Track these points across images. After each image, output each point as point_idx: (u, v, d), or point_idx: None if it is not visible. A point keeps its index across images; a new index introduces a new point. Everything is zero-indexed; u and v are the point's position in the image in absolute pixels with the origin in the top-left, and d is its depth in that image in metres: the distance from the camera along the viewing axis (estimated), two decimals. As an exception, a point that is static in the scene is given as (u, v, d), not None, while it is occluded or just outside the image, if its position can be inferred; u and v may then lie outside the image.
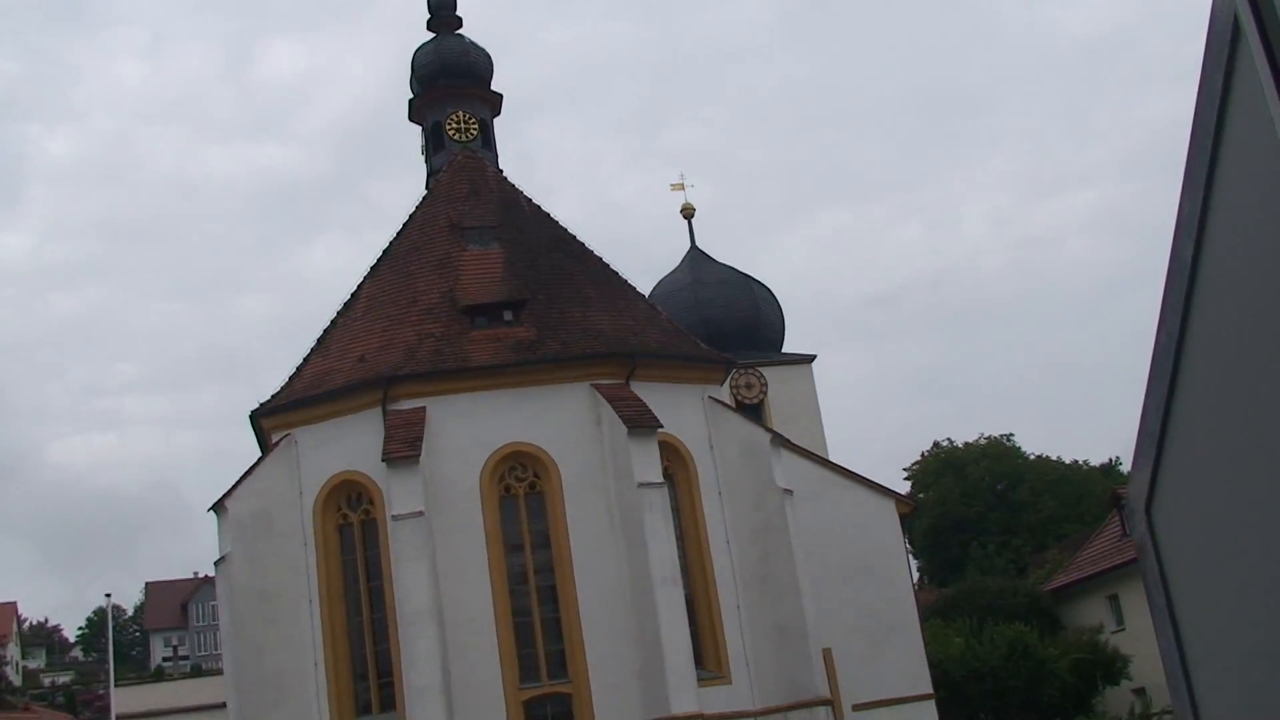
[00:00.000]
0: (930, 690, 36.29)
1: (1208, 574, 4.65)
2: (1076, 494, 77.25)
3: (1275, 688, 3.74)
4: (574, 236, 37.64)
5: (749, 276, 52.34)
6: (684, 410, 33.48)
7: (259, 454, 34.62)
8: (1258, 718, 4.11)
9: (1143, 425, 4.84)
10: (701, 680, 30.39)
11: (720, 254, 53.69)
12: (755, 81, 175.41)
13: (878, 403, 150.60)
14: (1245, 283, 3.83)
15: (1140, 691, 45.33)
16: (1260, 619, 3.86)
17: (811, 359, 50.50)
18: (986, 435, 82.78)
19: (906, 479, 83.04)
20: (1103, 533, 53.89)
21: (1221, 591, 4.44)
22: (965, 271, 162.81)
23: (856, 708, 34.55)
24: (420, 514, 29.96)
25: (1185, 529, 4.84)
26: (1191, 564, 4.91)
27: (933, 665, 37.39)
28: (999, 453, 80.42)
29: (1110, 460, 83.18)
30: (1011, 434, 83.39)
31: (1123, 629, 49.32)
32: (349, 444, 32.02)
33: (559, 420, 32.01)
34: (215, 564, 32.73)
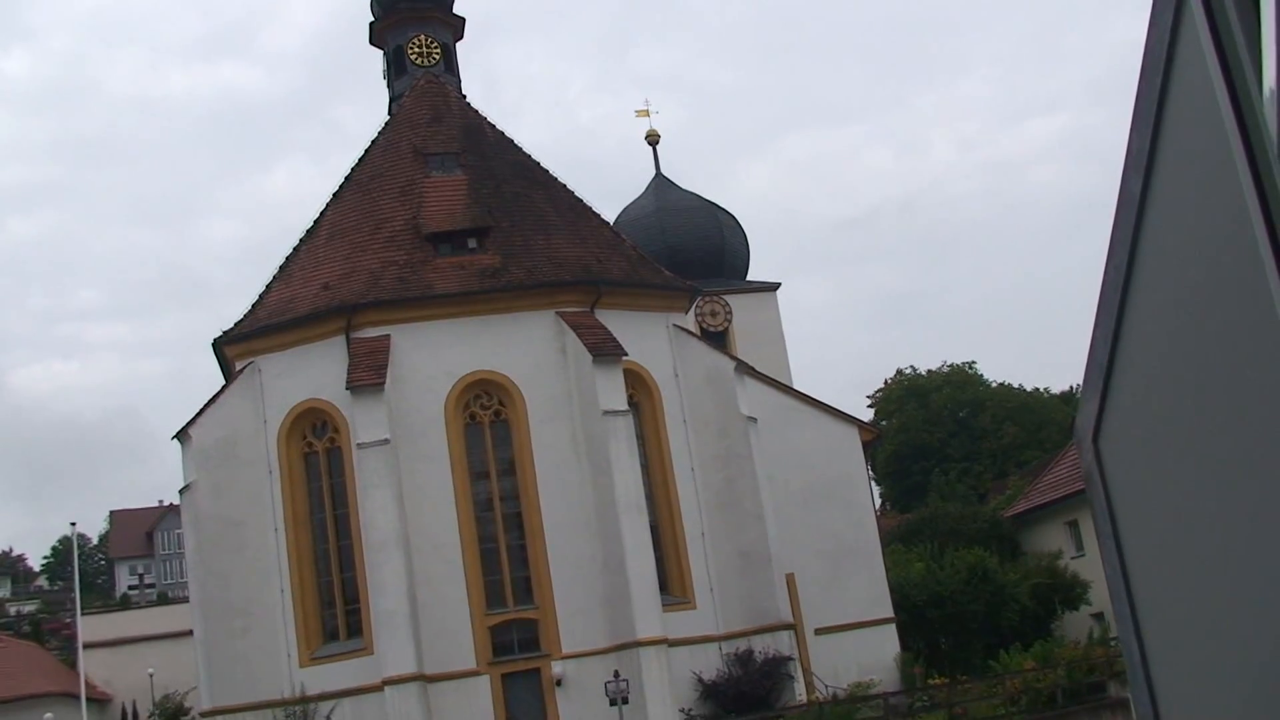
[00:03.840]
0: (891, 614, 36.84)
1: (1153, 504, 4.77)
2: (1037, 421, 77.92)
3: (1215, 610, 3.90)
4: (538, 163, 37.54)
5: (714, 204, 52.27)
6: (649, 338, 33.63)
7: (222, 381, 34.57)
8: (1198, 637, 4.28)
9: (1091, 356, 4.93)
10: (666, 605, 30.78)
11: (686, 181, 53.62)
12: (724, 3, 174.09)
13: (842, 330, 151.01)
14: (1191, 218, 3.91)
15: (1099, 616, 45.95)
16: (1203, 546, 4.01)
17: (776, 286, 50.68)
18: (949, 363, 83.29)
19: (870, 406, 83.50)
20: (1062, 460, 54.42)
21: (1167, 520, 4.57)
22: (933, 196, 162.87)
23: (819, 631, 35.05)
24: (385, 442, 30.05)
25: (1132, 459, 4.97)
26: (1138, 493, 5.05)
27: (894, 590, 37.87)
28: (961, 380, 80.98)
29: (1071, 388, 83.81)
30: (974, 362, 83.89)
31: (1082, 554, 49.93)
32: (313, 372, 32.02)
33: (524, 348, 32.12)
34: (180, 492, 32.82)
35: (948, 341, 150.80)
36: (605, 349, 31.41)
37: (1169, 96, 3.75)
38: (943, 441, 76.75)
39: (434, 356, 31.71)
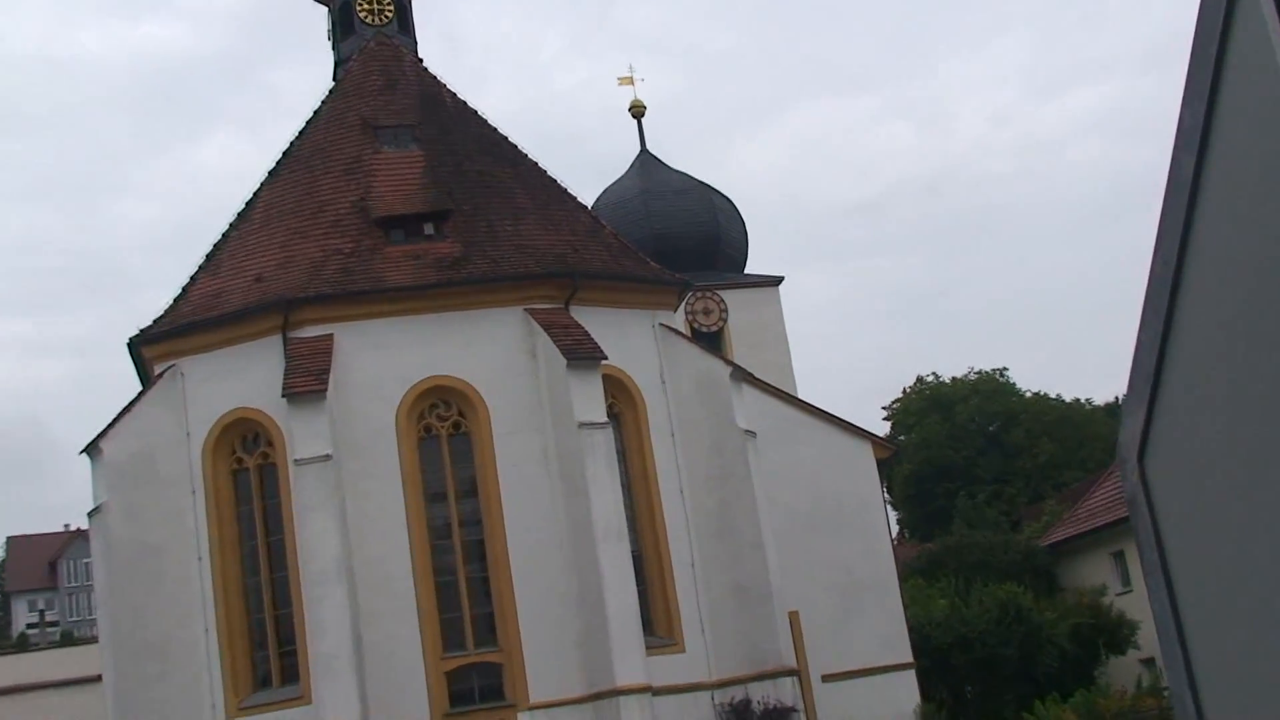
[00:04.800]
0: (910, 659, 36.87)
1: (1207, 531, 4.76)
2: (1078, 437, 78.03)
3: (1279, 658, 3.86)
4: (505, 137, 37.54)
5: (708, 185, 52.31)
6: (632, 339, 33.68)
7: (139, 387, 34.49)
8: (1260, 691, 4.21)
9: (1136, 363, 4.93)
10: (650, 648, 30.79)
11: (675, 159, 53.85)
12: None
13: (854, 331, 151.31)
14: (1251, 204, 3.90)
15: (1149, 662, 46.05)
16: (1264, 582, 3.97)
17: (779, 281, 50.74)
18: (977, 370, 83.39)
19: (886, 419, 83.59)
20: (1106, 481, 54.53)
21: (1222, 551, 4.54)
22: (960, 177, 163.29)
23: (826, 678, 35.06)
24: (327, 458, 30.03)
25: (1182, 481, 4.95)
26: (1189, 520, 5.02)
27: (913, 630, 37.90)
28: (991, 390, 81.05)
29: (1116, 399, 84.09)
30: (1005, 368, 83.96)
31: (1129, 590, 50.04)
32: (244, 377, 31.99)
33: (488, 350, 32.13)
34: (89, 515, 32.73)
35: (975, 345, 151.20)
36: (582, 351, 31.43)
37: (1226, 65, 3.74)
38: (969, 460, 76.84)
39: (384, 359, 31.69)
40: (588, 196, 40.96)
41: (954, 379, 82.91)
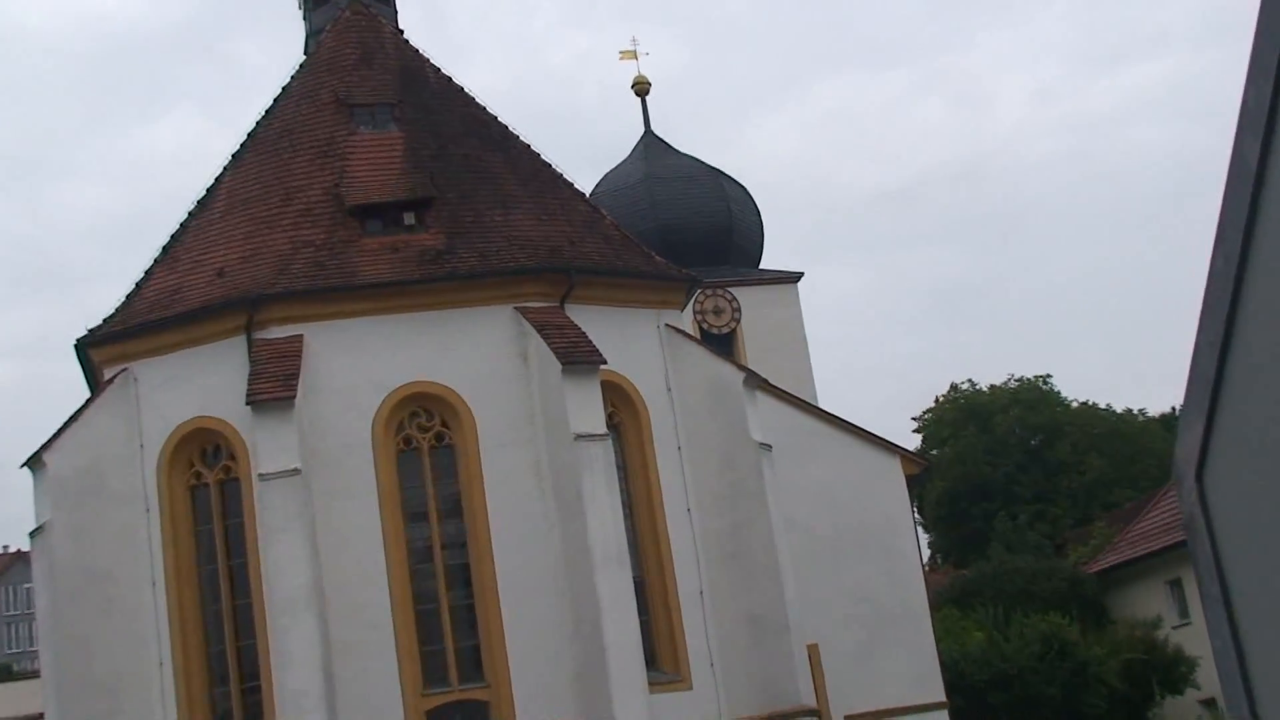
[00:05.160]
0: (942, 698, 36.93)
1: (1274, 557, 4.73)
2: (1129, 452, 78.18)
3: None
4: (495, 118, 37.61)
5: (719, 171, 52.48)
6: (634, 342, 33.74)
7: (87, 394, 34.52)
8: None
9: (1194, 370, 4.92)
10: (653, 685, 30.80)
11: (683, 142, 53.95)
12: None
13: (881, 334, 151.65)
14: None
15: (1209, 703, 46.16)
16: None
17: (798, 277, 50.90)
18: (1018, 377, 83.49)
19: (916, 431, 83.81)
20: (1161, 501, 54.59)
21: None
22: (1001, 162, 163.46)
23: (850, 719, 35.04)
24: (295, 472, 30.05)
25: (1246, 500, 4.93)
26: (1254, 544, 5.00)
27: (946, 666, 37.97)
28: (1033, 399, 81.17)
29: (1172, 410, 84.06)
30: (1049, 376, 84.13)
31: (1188, 623, 50.07)
32: (204, 382, 32.02)
33: (474, 353, 32.17)
34: (30, 535, 32.70)
35: (1016, 349, 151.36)
36: (578, 355, 31.42)
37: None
38: (1009, 477, 76.99)
39: (359, 363, 31.71)
40: (586, 183, 41.01)
41: (992, 387, 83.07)
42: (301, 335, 31.54)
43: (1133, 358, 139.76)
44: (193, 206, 35.81)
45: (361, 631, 30.39)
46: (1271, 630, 4.86)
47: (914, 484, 39.66)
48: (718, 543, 33.30)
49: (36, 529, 32.16)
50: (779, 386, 37.40)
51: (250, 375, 30.95)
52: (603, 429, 31.49)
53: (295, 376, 30.71)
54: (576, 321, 32.42)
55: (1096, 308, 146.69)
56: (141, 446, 32.25)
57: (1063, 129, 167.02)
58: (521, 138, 37.39)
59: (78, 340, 33.99)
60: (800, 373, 46.57)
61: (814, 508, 35.67)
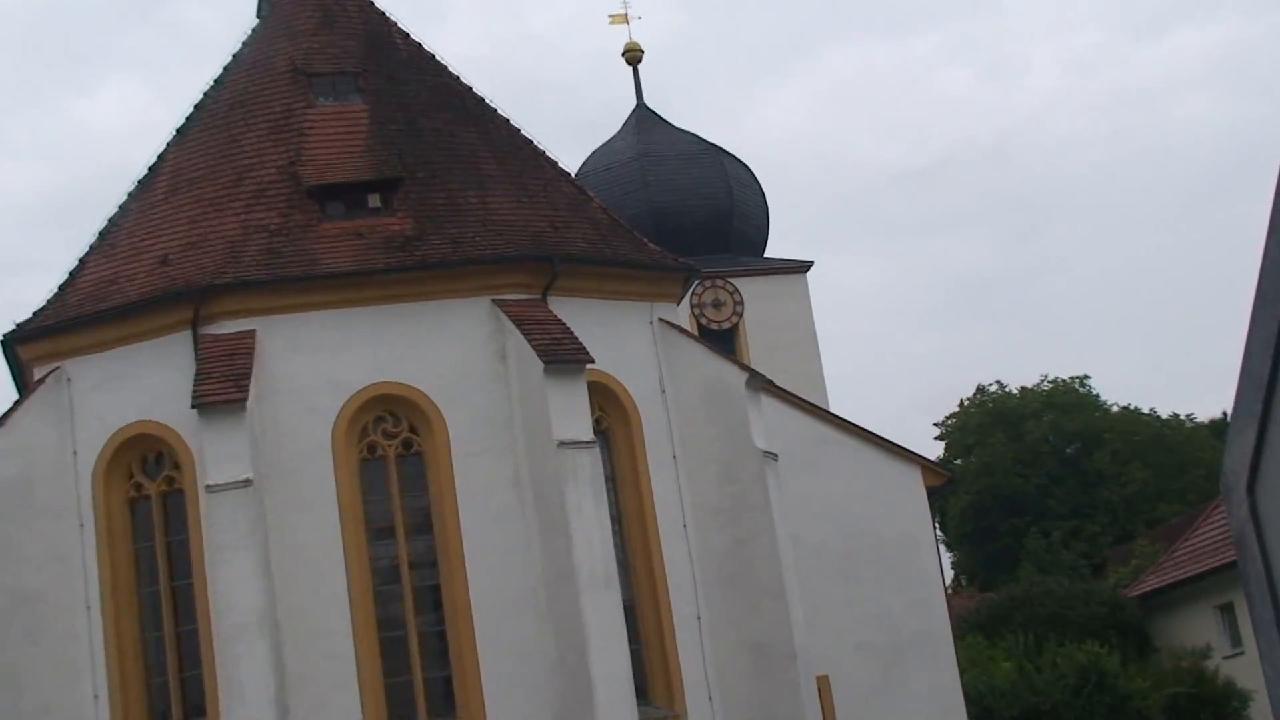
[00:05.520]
0: (968, 734, 36.92)
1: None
2: (1175, 462, 78.30)
3: None
4: (470, 89, 37.58)
5: (719, 148, 52.52)
6: (625, 339, 33.76)
7: (15, 396, 34.50)
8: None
9: (1245, 372, 4.90)
10: (646, 718, 30.77)
11: (680, 115, 54.05)
12: None
13: (901, 329, 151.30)
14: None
15: (1263, 740, 46.15)
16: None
17: (808, 266, 51.02)
18: (1052, 378, 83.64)
19: (938, 438, 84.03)
20: (1211, 517, 54.64)
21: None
22: (1033, 138, 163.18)
23: (863, 759, 35.11)
24: (247, 483, 29.99)
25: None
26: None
27: (971, 699, 38.03)
28: (1069, 403, 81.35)
29: (1223, 415, 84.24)
30: (1087, 377, 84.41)
31: (1240, 652, 50.14)
32: (145, 383, 31.95)
33: (447, 351, 32.16)
34: (-49, 553, 32.59)
35: (1050, 347, 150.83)
36: (562, 353, 31.38)
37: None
38: (1042, 489, 77.13)
39: (318, 362, 31.66)
40: (571, 162, 41.00)
41: (1023, 389, 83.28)
42: (254, 331, 31.48)
43: (1179, 357, 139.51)
44: (133, 187, 35.77)
45: (320, 661, 30.34)
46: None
47: (936, 497, 39.72)
48: (717, 562, 33.29)
49: (-43, 546, 32.10)
50: (786, 389, 37.42)
51: (197, 375, 30.85)
52: (589, 435, 31.44)
53: (247, 377, 30.65)
54: (560, 316, 32.39)
55: (1139, 301, 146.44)
56: (75, 454, 32.15)
57: (1101, 103, 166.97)
58: (500, 111, 37.38)
59: (4, 336, 33.88)
60: (810, 373, 46.66)
61: (824, 523, 35.70)
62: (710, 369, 34.52)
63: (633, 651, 31.11)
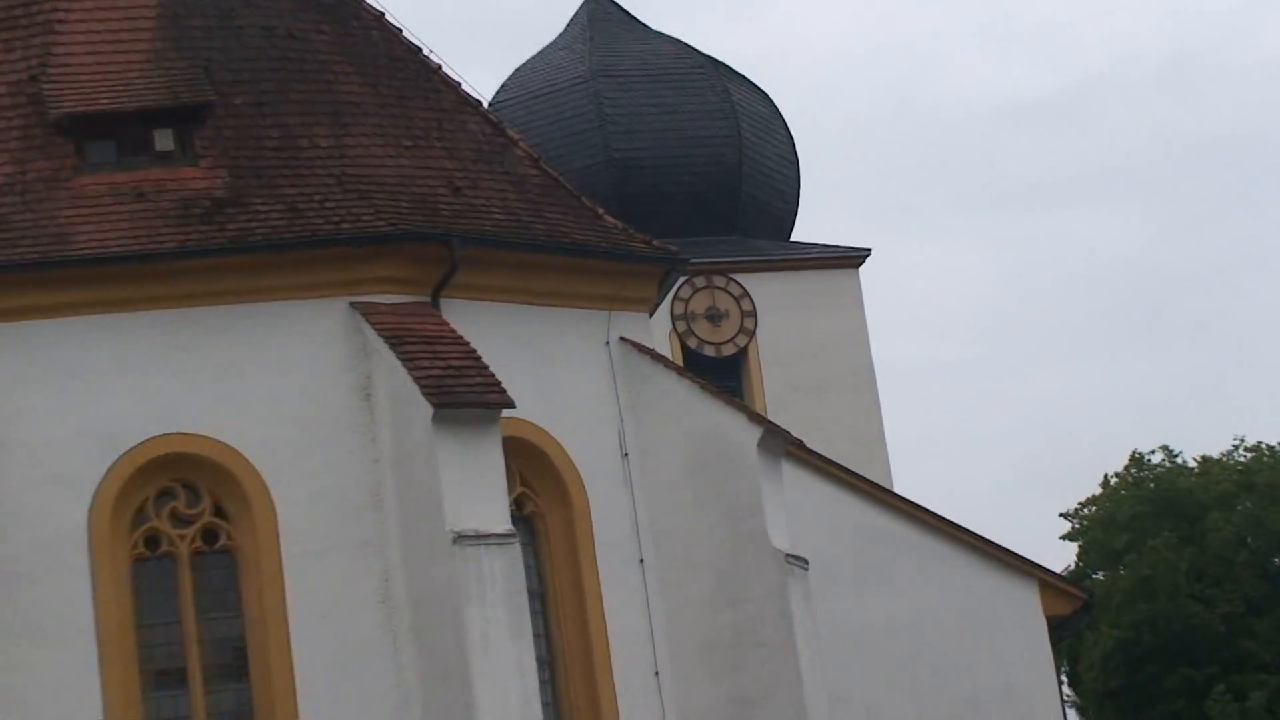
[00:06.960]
0: None
1: None
2: None
3: None
4: (325, -34, 37.55)
5: (720, 63, 52.49)
6: (566, 369, 33.88)
7: None
8: None
9: None
10: None
11: (658, 14, 53.86)
12: None
13: (1006, 358, 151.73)
14: None
15: None
16: None
17: (861, 258, 50.86)
18: (1253, 443, 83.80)
19: (1067, 536, 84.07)
20: None
21: None
22: (1217, 59, 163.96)
23: None
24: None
25: None
26: None
27: None
28: (1275, 481, 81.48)
29: None
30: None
31: None
32: None
33: (275, 386, 32.09)
34: None
35: (1247, 392, 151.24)
36: (464, 391, 31.21)
37: None
38: (1233, 622, 77.32)
39: (71, 400, 31.58)
40: (486, 82, 40.88)
41: (1204, 459, 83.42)
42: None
43: None
44: None
45: None
46: None
47: (1064, 630, 39.85)
48: (710, 730, 33.31)
49: None
50: (822, 453, 37.41)
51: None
52: (506, 524, 31.23)
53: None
54: (460, 330, 32.25)
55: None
56: None
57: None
58: (370, 2, 37.36)
59: None
60: (861, 426, 46.75)
61: (882, 672, 35.78)
62: (702, 420, 34.42)
63: None
